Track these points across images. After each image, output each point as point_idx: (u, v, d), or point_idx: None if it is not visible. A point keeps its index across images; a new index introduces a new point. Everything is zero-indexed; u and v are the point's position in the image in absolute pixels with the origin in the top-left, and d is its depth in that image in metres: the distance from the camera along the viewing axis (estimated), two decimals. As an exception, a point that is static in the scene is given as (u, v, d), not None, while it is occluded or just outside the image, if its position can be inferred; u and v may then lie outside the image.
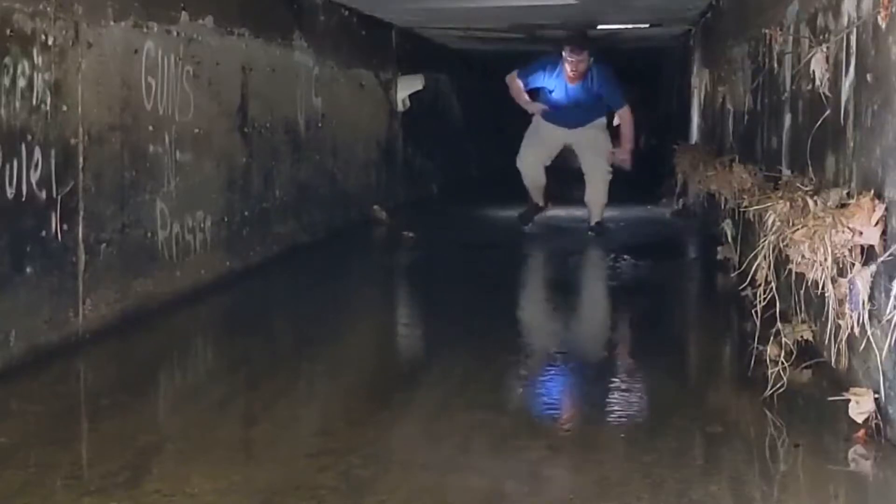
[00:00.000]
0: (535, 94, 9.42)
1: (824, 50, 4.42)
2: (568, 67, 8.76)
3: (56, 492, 3.05)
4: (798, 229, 3.75)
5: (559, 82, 8.94)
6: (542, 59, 9.12)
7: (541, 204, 9.42)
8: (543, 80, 9.03)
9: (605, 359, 4.77)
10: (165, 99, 5.54)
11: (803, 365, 4.17)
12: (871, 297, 3.43)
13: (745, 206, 5.25)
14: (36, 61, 4.31)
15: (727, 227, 6.65)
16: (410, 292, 6.86)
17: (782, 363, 3.91)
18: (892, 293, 3.16)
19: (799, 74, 5.01)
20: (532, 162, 9.18)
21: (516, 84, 9.12)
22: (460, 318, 5.33)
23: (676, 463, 3.30)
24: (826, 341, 3.84)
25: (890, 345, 3.28)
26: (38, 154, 4.32)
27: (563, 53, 8.76)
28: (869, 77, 3.75)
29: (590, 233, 8.95)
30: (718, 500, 3.01)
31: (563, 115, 9.07)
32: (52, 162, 4.44)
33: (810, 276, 3.67)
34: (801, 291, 4.35)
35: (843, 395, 3.55)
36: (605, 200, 9.14)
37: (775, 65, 5.85)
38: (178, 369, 4.78)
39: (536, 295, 6.85)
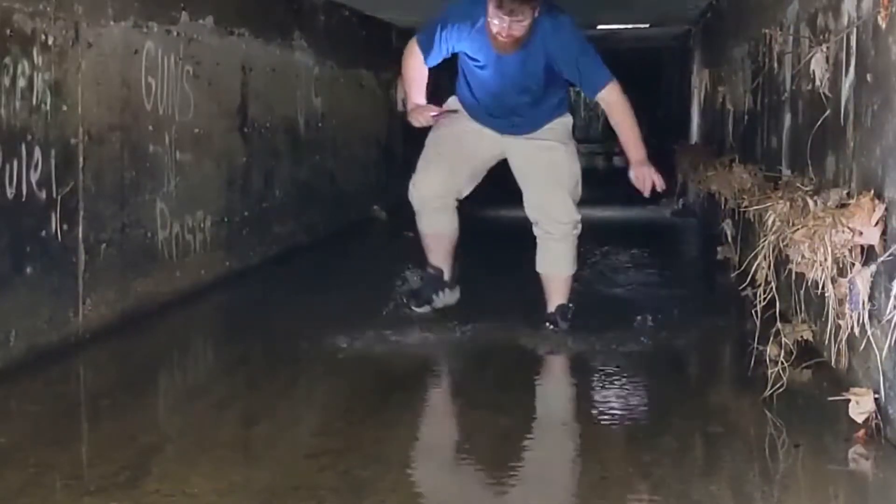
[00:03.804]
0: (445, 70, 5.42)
1: (824, 50, 4.42)
2: (492, 25, 4.78)
3: (56, 492, 3.05)
4: (798, 229, 3.75)
5: (483, 48, 4.95)
6: (457, 6, 5.03)
7: (444, 270, 5.40)
8: (459, 41, 4.98)
9: (605, 358, 4.76)
10: (165, 99, 5.54)
11: (803, 365, 4.17)
12: (871, 297, 3.43)
13: (745, 206, 5.25)
14: (36, 61, 4.31)
15: (727, 227, 6.65)
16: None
17: (782, 363, 3.91)
18: (892, 293, 3.16)
19: (799, 74, 5.01)
20: (433, 191, 5.22)
21: (410, 61, 5.16)
22: (457, 317, 5.32)
23: (676, 463, 3.30)
24: (826, 341, 3.84)
25: (890, 345, 3.28)
26: (38, 154, 4.32)
27: (488, 5, 4.76)
28: (869, 77, 3.75)
29: (549, 325, 5.16)
30: (718, 500, 3.01)
31: (491, 105, 5.14)
32: (52, 162, 4.44)
33: (810, 276, 3.67)
34: (801, 291, 4.35)
35: (843, 395, 3.55)
36: (570, 270, 5.26)
37: (775, 65, 5.85)
38: (178, 369, 4.78)
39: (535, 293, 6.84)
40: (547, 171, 5.15)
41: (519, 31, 4.75)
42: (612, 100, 5.00)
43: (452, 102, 5.29)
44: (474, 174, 5.30)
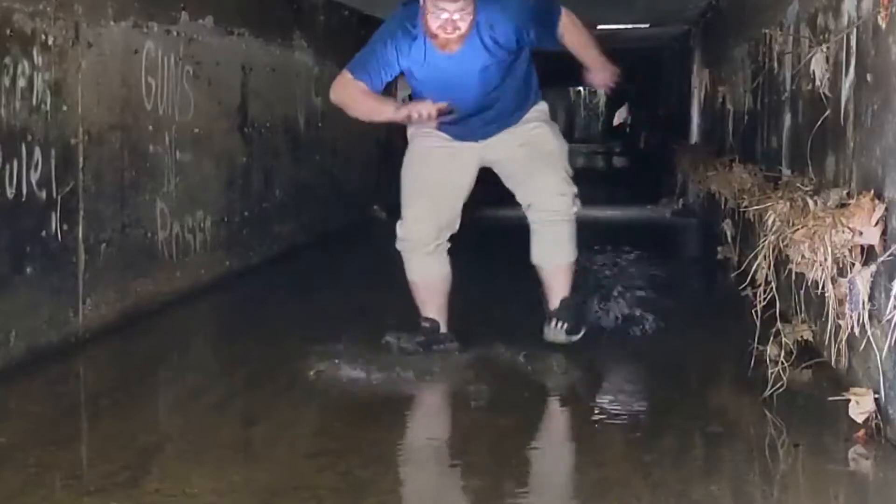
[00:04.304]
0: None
1: (824, 50, 4.42)
2: (432, 24, 4.39)
3: (56, 492, 3.05)
4: (798, 229, 3.75)
5: (428, 56, 4.48)
6: (387, 24, 4.70)
7: (440, 322, 4.76)
8: (396, 60, 4.53)
9: (604, 358, 4.76)
10: (165, 99, 5.55)
11: (803, 365, 4.17)
12: (871, 297, 3.43)
13: (745, 206, 5.25)
14: (36, 61, 4.31)
15: (727, 227, 6.65)
16: (409, 292, 6.84)
17: (782, 363, 3.91)
18: (892, 293, 3.16)
19: (799, 74, 5.01)
20: (427, 233, 4.66)
21: (350, 91, 4.58)
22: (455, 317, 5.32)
23: (676, 463, 3.29)
24: (826, 341, 3.84)
25: (890, 345, 3.28)
26: (38, 154, 4.32)
27: (425, 4, 4.42)
28: (869, 77, 3.75)
29: (556, 322, 4.72)
30: (718, 500, 3.01)
31: (458, 114, 4.53)
32: (52, 162, 4.44)
33: (810, 276, 3.67)
34: (801, 291, 4.35)
35: (843, 395, 3.55)
36: (571, 256, 4.77)
37: (775, 65, 5.85)
38: (177, 369, 4.77)
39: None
40: (536, 149, 4.69)
41: (465, 22, 4.35)
42: (570, 28, 4.59)
43: (417, 133, 4.73)
44: (462, 200, 4.77)
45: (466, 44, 4.42)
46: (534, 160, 4.68)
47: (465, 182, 4.75)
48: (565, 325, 4.69)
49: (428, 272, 4.71)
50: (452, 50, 4.43)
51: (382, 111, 4.57)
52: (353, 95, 4.56)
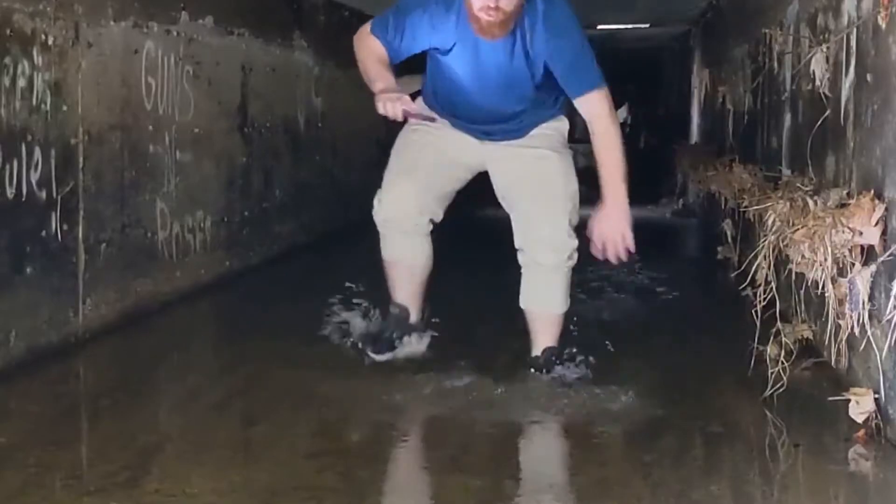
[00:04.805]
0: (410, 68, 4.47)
1: (824, 50, 4.42)
2: (475, 3, 3.86)
3: (56, 492, 3.05)
4: (798, 229, 3.75)
5: (461, 37, 4.01)
6: None
7: (411, 311, 4.48)
8: (427, 33, 4.05)
9: (604, 358, 4.76)
10: (165, 99, 5.55)
11: (803, 365, 4.17)
12: (871, 297, 3.44)
13: (745, 206, 5.25)
14: (36, 61, 4.31)
15: (727, 227, 6.65)
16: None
17: (783, 363, 3.91)
18: (892, 293, 3.16)
19: (799, 74, 5.01)
20: (404, 209, 4.30)
21: (367, 46, 4.10)
22: (455, 315, 5.33)
23: (676, 463, 3.30)
24: (826, 341, 3.84)
25: (890, 345, 3.28)
26: (38, 154, 4.32)
27: None
28: (869, 77, 3.76)
29: (533, 371, 4.27)
30: (718, 500, 3.01)
31: (471, 108, 4.20)
32: (52, 162, 4.44)
33: (810, 276, 3.68)
34: (801, 291, 4.35)
35: (843, 395, 3.56)
36: (562, 307, 4.30)
37: (775, 65, 5.85)
38: (177, 369, 4.77)
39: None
40: (537, 185, 4.16)
41: (509, 5, 3.80)
42: (597, 111, 3.96)
43: (421, 107, 4.27)
44: (451, 190, 4.35)
45: (507, 38, 3.93)
46: (534, 199, 4.15)
47: (461, 169, 4.33)
48: (546, 374, 4.23)
49: (404, 252, 4.34)
50: (494, 36, 3.90)
51: (372, 82, 4.03)
52: (364, 54, 4.08)
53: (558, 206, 4.13)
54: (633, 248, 3.92)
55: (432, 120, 4.15)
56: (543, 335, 4.30)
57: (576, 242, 4.14)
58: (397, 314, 4.40)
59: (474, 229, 7.87)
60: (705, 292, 6.73)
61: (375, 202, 4.33)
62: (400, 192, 4.26)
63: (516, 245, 4.25)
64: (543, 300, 4.26)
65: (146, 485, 3.06)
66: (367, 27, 4.11)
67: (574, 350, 4.30)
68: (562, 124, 4.29)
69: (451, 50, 4.03)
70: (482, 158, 4.30)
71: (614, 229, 3.91)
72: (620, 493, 3.04)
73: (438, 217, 4.34)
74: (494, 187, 4.33)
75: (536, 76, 4.04)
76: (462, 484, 3.15)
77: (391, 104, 3.87)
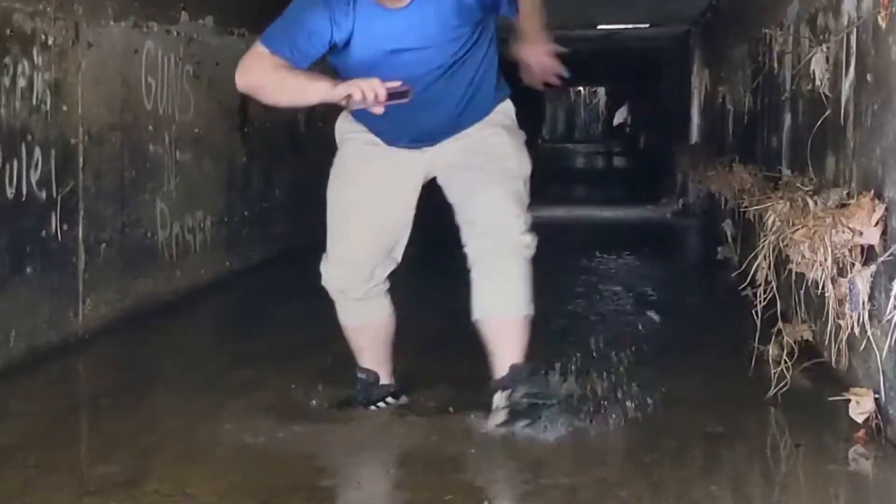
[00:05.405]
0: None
1: (824, 50, 4.42)
2: None
3: (56, 492, 3.05)
4: (798, 229, 3.75)
5: (368, 20, 3.43)
6: None
7: (381, 374, 3.91)
8: (332, 31, 3.45)
9: (603, 357, 4.77)
10: (165, 99, 5.55)
11: (803, 365, 4.17)
12: (871, 297, 3.44)
13: (745, 206, 5.25)
14: (36, 61, 4.31)
15: (727, 227, 6.65)
16: (409, 291, 6.85)
17: (783, 363, 3.91)
18: (892, 293, 3.16)
19: (799, 74, 5.01)
20: (358, 275, 3.73)
21: (267, 69, 3.44)
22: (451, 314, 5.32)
23: (676, 463, 3.29)
24: (826, 341, 3.84)
25: (890, 345, 3.28)
26: (38, 154, 4.33)
27: None
28: (869, 77, 3.75)
29: (500, 409, 3.59)
30: (718, 500, 3.01)
31: (405, 108, 3.39)
32: (52, 162, 4.44)
33: (810, 276, 3.68)
34: (801, 291, 4.35)
35: (843, 395, 3.55)
36: (524, 308, 3.62)
37: (775, 65, 5.85)
38: (177, 369, 4.77)
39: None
40: (488, 159, 3.63)
41: None
42: None
43: (345, 127, 3.89)
44: (402, 227, 3.74)
45: None
46: (484, 172, 3.61)
47: (406, 203, 3.74)
48: (508, 413, 3.57)
49: (359, 319, 3.82)
50: (402, 1, 3.39)
51: (315, 90, 3.45)
52: (271, 74, 3.42)
53: (513, 177, 3.65)
54: (564, 73, 3.62)
55: (403, 94, 3.35)
56: (506, 348, 3.62)
57: (530, 218, 3.64)
58: (365, 379, 3.89)
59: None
60: (705, 292, 6.72)
61: (322, 269, 3.76)
62: (345, 260, 3.70)
63: (462, 224, 3.66)
64: (502, 302, 3.60)
65: (146, 485, 3.06)
66: (258, 48, 3.45)
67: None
68: (509, 106, 3.79)
69: (360, 40, 3.46)
70: (427, 166, 3.73)
71: (544, 53, 3.62)
72: (620, 493, 3.04)
73: (396, 262, 3.77)
74: (444, 188, 3.76)
75: (467, 33, 3.52)
76: (462, 484, 3.15)
77: (368, 88, 3.30)
